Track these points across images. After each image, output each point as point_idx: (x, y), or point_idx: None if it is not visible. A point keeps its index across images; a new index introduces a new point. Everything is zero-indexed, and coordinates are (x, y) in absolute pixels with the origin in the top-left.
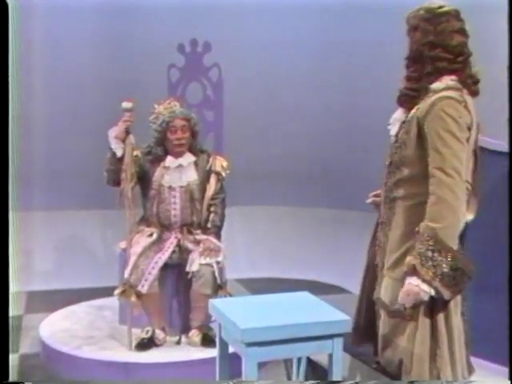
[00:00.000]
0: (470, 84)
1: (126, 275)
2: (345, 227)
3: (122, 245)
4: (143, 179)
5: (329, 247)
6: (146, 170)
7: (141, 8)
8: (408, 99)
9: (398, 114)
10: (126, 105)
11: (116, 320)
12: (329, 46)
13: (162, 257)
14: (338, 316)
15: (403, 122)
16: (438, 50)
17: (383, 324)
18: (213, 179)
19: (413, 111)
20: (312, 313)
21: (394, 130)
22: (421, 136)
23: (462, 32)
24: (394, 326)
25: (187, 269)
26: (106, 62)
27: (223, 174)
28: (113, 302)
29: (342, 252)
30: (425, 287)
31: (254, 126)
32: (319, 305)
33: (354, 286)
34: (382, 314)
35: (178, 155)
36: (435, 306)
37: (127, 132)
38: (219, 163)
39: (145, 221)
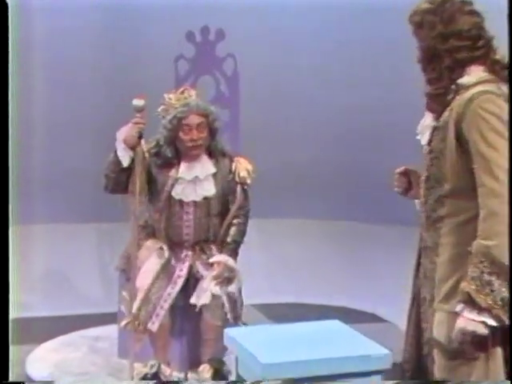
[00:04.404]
0: (499, 70)
1: (135, 309)
2: (379, 244)
3: (122, 264)
4: (150, 185)
5: (361, 268)
6: (153, 176)
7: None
8: (436, 102)
9: (427, 120)
10: (137, 102)
11: (114, 353)
12: (352, 45)
13: (175, 287)
14: (376, 349)
15: (435, 129)
16: (451, 40)
17: (440, 368)
18: (237, 190)
19: (445, 114)
20: (344, 345)
21: (424, 138)
22: (460, 141)
23: (473, 13)
24: (455, 370)
25: (193, 300)
26: (108, 59)
27: (248, 182)
28: (111, 331)
29: (376, 273)
30: (483, 318)
31: (273, 127)
32: (352, 336)
33: (392, 314)
34: (437, 357)
35: (192, 159)
36: (505, 337)
37: (139, 137)
38: (243, 168)
39: (150, 233)
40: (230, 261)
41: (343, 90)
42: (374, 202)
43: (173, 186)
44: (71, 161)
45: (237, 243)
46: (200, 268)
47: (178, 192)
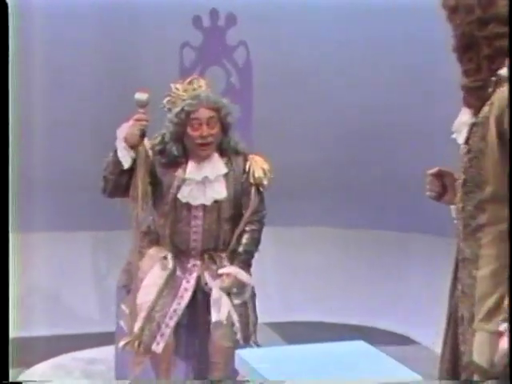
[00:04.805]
0: None
1: (136, 329)
2: (410, 256)
3: (124, 281)
4: (153, 187)
5: (388, 282)
6: (157, 176)
7: None
8: (474, 96)
9: (464, 117)
10: (140, 96)
11: (111, 377)
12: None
13: (182, 302)
14: (407, 375)
15: (473, 125)
16: (491, 26)
17: None
18: (252, 192)
19: (484, 109)
20: (370, 370)
21: (461, 137)
22: (502, 139)
23: None
24: None
25: (215, 318)
26: (109, 46)
27: (264, 183)
28: (107, 353)
29: (406, 289)
30: None
31: (288, 123)
32: (379, 359)
33: (424, 335)
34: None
35: (201, 158)
36: None
37: (141, 135)
38: (259, 167)
39: (154, 240)
40: (241, 273)
41: (367, 87)
42: (402, 209)
43: (179, 187)
44: (69, 163)
45: (249, 253)
46: (209, 280)
47: (184, 194)
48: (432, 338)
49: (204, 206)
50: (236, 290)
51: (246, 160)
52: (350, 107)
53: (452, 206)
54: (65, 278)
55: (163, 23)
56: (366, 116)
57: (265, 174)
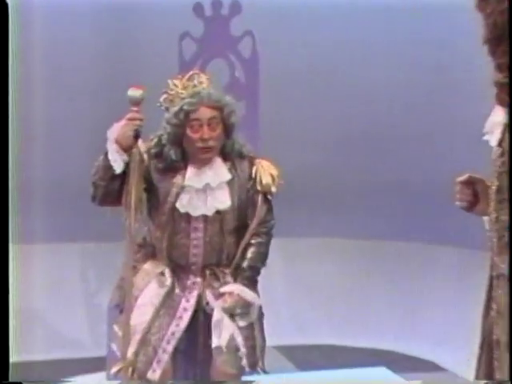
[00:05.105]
0: None
1: (130, 354)
2: (437, 271)
3: (117, 298)
4: (149, 195)
5: (413, 300)
6: (153, 183)
7: None
8: (508, 93)
9: (497, 116)
10: (133, 93)
11: None
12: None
13: (181, 324)
14: None
15: (507, 126)
16: None
17: None
18: (259, 200)
19: None
20: None
21: (495, 138)
22: None
23: None
24: None
25: (216, 343)
26: (109, 55)
27: (273, 190)
28: (97, 380)
29: (433, 308)
30: None
31: (299, 123)
32: None
33: (454, 361)
34: None
35: (202, 162)
36: None
37: (135, 136)
38: (267, 173)
39: (150, 254)
40: (246, 292)
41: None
42: (429, 219)
43: (178, 195)
44: (66, 164)
45: (255, 269)
46: (210, 299)
47: (184, 203)
48: (462, 364)
49: (205, 217)
50: (240, 310)
51: (252, 165)
52: (366, 107)
53: (485, 217)
54: (49, 296)
55: (162, 11)
56: (381, 118)
57: (273, 180)
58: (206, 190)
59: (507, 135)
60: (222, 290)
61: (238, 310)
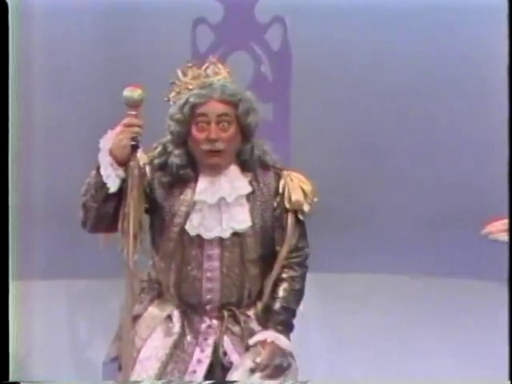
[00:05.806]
0: None
1: None
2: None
3: (115, 351)
4: (152, 216)
5: (460, 338)
6: (156, 201)
7: None
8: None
9: None
10: (130, 93)
11: None
12: None
13: (194, 379)
14: None
15: None
16: None
17: None
18: (289, 221)
19: None
20: None
21: None
22: None
23: None
24: None
25: None
26: (109, 54)
27: (305, 209)
28: None
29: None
30: None
31: (335, 129)
32: None
33: None
34: None
35: (214, 171)
36: None
37: (133, 146)
38: (297, 188)
39: (155, 293)
40: (282, 339)
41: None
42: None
43: (188, 215)
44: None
45: (290, 312)
46: (229, 348)
47: (194, 224)
48: None
49: (221, 241)
50: (279, 361)
51: (278, 177)
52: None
53: None
54: (28, 344)
55: None
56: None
57: (305, 196)
58: (220, 205)
59: None
60: (252, 340)
61: (275, 363)
